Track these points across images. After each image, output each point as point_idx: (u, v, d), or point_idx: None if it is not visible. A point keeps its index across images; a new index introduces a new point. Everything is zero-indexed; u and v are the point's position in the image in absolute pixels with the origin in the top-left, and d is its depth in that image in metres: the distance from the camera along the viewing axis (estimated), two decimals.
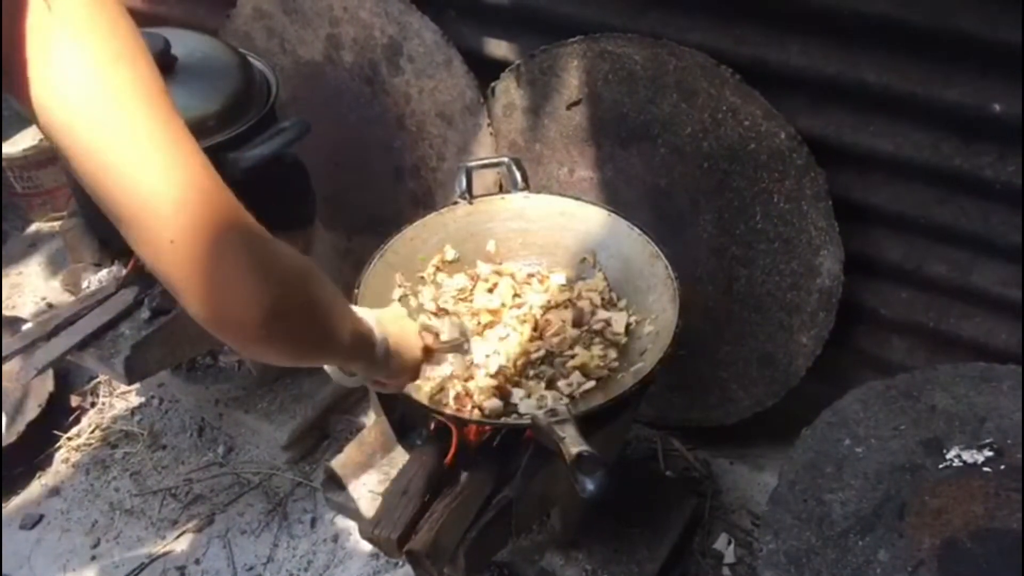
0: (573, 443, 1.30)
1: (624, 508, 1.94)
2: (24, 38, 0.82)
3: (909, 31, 1.61)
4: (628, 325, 1.72)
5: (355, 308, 1.30)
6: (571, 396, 1.59)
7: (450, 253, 1.81)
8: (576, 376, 1.62)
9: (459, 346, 1.61)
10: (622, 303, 1.76)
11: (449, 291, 1.77)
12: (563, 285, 1.80)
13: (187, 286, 0.91)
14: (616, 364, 1.67)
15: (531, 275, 1.83)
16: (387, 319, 1.39)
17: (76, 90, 0.83)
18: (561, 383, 1.61)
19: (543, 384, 1.62)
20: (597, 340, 1.71)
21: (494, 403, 1.56)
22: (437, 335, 1.58)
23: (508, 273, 1.81)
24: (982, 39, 1.55)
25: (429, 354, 1.56)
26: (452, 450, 1.56)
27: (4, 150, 2.93)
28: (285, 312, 0.97)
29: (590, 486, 1.22)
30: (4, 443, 2.28)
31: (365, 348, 1.30)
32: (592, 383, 1.62)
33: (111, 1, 0.86)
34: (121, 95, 0.84)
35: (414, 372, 1.51)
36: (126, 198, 0.86)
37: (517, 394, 1.60)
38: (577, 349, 1.67)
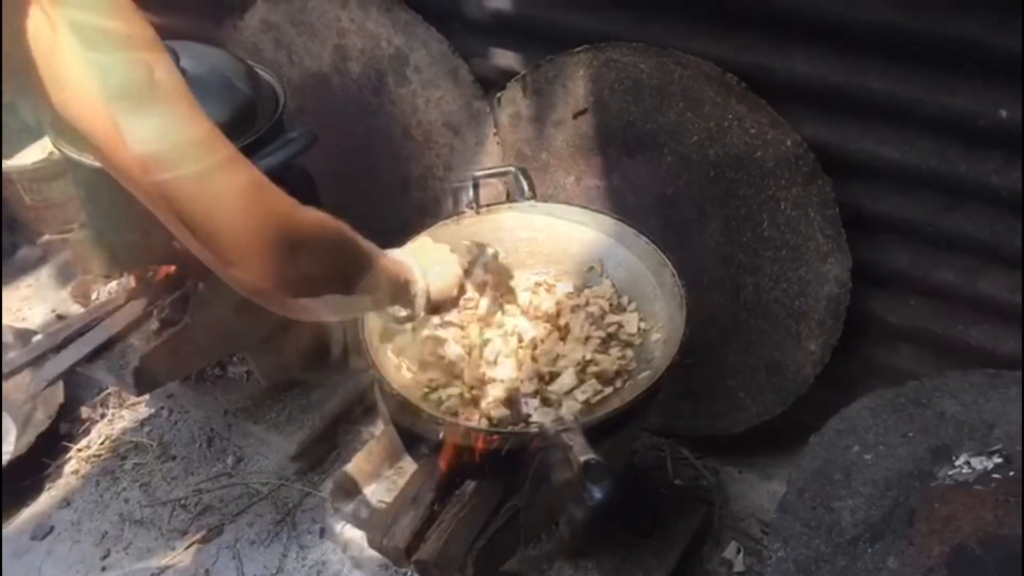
0: (581, 451, 1.30)
1: (633, 517, 1.94)
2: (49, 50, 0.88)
3: (913, 38, 1.61)
4: (640, 326, 1.72)
5: (397, 254, 1.42)
6: (587, 403, 1.59)
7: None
8: (592, 384, 1.62)
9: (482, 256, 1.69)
10: (632, 306, 1.76)
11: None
12: (570, 293, 1.80)
13: (220, 268, 1.00)
14: (635, 366, 1.67)
15: (538, 284, 1.83)
16: (429, 261, 1.48)
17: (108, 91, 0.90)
18: (577, 392, 1.61)
19: (559, 393, 1.62)
20: (613, 343, 1.71)
21: (502, 412, 1.56)
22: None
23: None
24: (987, 46, 1.55)
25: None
26: (447, 461, 1.56)
27: (15, 163, 2.94)
28: (307, 281, 1.07)
29: (598, 494, 1.23)
30: (14, 455, 2.29)
31: (405, 296, 1.41)
32: (609, 390, 1.61)
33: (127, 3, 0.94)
34: (156, 90, 0.92)
35: (454, 303, 1.57)
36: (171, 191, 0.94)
37: (531, 404, 1.60)
38: (596, 356, 1.67)
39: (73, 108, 0.91)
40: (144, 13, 2.58)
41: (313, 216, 1.09)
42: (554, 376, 1.65)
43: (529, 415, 1.58)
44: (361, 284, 1.23)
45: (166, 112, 0.92)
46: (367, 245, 1.27)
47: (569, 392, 1.62)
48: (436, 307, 1.50)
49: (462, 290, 1.58)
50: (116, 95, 0.89)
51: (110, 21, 0.91)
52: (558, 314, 1.75)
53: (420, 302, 1.43)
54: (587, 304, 1.77)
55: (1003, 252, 1.72)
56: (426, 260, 1.48)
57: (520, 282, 1.82)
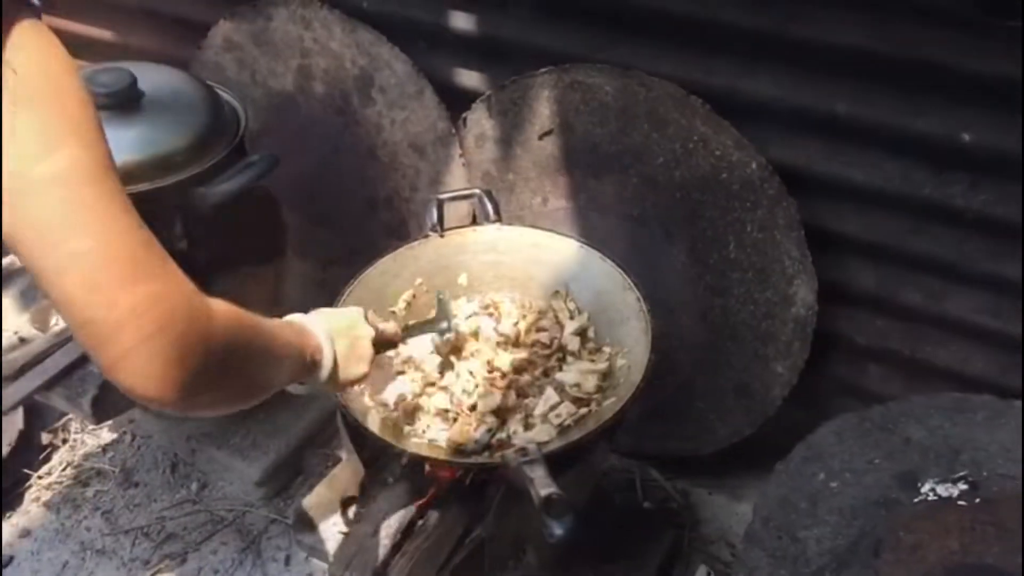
0: (542, 485, 1.28)
1: (602, 541, 1.92)
2: None
3: (879, 62, 1.61)
4: (586, 328, 1.74)
5: (305, 321, 1.29)
6: (562, 426, 1.57)
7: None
8: (567, 406, 1.60)
9: (437, 323, 1.65)
10: (583, 315, 1.76)
11: None
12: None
13: (102, 366, 0.89)
14: (607, 366, 1.66)
15: (486, 306, 1.82)
16: (338, 331, 1.34)
17: (20, 162, 0.83)
18: (551, 415, 1.59)
19: (535, 417, 1.61)
20: (584, 354, 1.71)
21: (481, 434, 1.55)
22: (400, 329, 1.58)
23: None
24: (951, 69, 1.56)
25: (389, 347, 1.54)
26: (411, 491, 1.54)
27: None
28: (201, 388, 0.95)
29: (558, 531, 1.20)
30: None
31: (309, 373, 1.27)
32: (585, 410, 1.60)
33: (63, 69, 0.87)
34: (64, 173, 0.85)
35: (361, 379, 1.45)
36: (47, 281, 0.86)
37: (512, 427, 1.58)
38: (571, 374, 1.66)
39: None
40: (107, 30, 2.53)
41: (221, 316, 0.98)
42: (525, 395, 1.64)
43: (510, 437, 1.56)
44: (264, 380, 1.13)
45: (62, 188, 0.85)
46: (272, 332, 1.15)
47: (548, 412, 1.60)
48: (341, 385, 1.38)
49: (373, 364, 1.47)
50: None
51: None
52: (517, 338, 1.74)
53: (323, 375, 1.29)
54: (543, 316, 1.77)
55: (969, 273, 1.72)
56: (336, 330, 1.34)
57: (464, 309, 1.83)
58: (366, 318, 1.46)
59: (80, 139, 0.86)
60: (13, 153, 0.83)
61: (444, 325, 1.66)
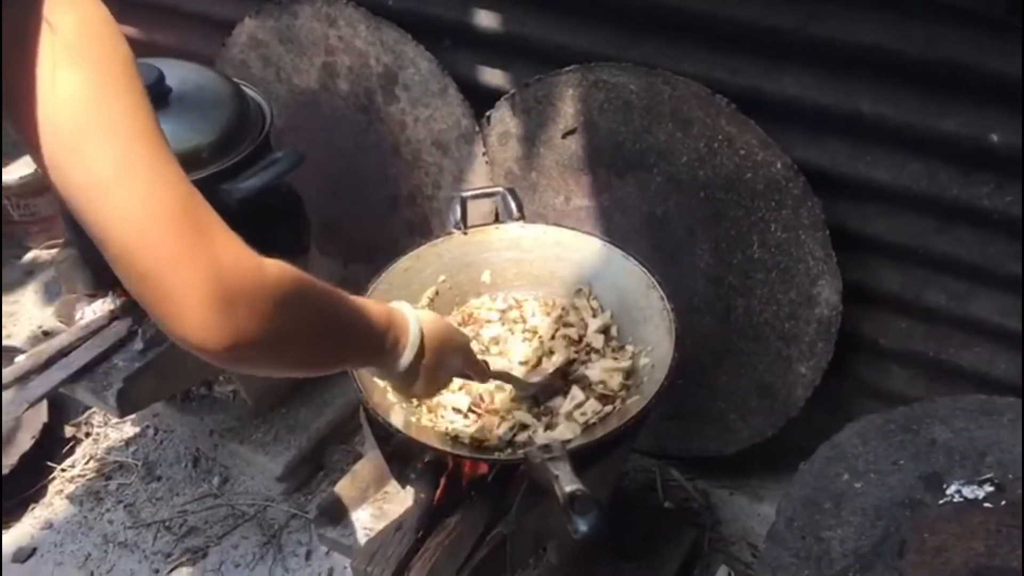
0: (567, 481, 1.28)
1: (622, 540, 1.92)
2: (34, 62, 0.82)
3: (904, 61, 1.61)
4: (609, 326, 1.73)
5: (400, 305, 1.29)
6: (586, 424, 1.57)
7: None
8: (592, 404, 1.60)
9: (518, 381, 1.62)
10: (606, 313, 1.76)
11: None
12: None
13: (157, 320, 0.90)
14: (630, 364, 1.67)
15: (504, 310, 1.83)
16: (432, 322, 1.33)
17: (70, 119, 0.84)
18: (576, 412, 1.60)
19: (559, 416, 1.61)
20: (608, 351, 1.71)
21: (504, 431, 1.56)
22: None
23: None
24: (978, 69, 1.55)
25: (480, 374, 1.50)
26: (433, 488, 1.54)
27: (2, 178, 2.92)
28: (255, 342, 0.93)
29: (583, 527, 1.20)
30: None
31: (389, 357, 1.25)
32: (609, 408, 1.60)
33: (107, 30, 0.87)
34: (112, 126, 0.85)
35: (452, 376, 1.45)
36: (103, 233, 0.86)
37: (535, 426, 1.59)
38: (596, 371, 1.66)
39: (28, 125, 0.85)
40: (133, 27, 2.55)
41: (277, 270, 0.96)
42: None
43: (532, 436, 1.57)
44: (331, 346, 1.12)
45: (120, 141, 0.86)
46: (344, 299, 1.13)
47: (573, 410, 1.60)
48: (423, 379, 1.32)
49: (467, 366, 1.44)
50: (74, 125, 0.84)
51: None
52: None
53: (404, 361, 1.26)
54: (568, 313, 1.78)
55: (995, 275, 1.71)
56: (429, 320, 1.32)
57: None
58: None
59: (123, 96, 0.86)
60: (57, 111, 0.83)
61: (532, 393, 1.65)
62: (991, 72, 1.53)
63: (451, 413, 1.63)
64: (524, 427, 1.59)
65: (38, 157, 0.86)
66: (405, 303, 1.31)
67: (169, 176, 0.88)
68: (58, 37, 0.83)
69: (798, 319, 1.87)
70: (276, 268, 0.96)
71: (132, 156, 0.85)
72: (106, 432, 2.50)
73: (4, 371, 1.99)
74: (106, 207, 0.85)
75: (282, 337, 0.97)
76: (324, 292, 1.06)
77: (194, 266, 0.87)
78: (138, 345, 1.99)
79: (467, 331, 1.75)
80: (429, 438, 1.55)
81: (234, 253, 0.91)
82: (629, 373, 1.66)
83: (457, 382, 1.63)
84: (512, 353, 1.71)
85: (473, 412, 1.62)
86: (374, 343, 1.21)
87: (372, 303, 1.22)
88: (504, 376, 1.59)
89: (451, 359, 1.38)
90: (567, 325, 1.75)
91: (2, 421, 2.34)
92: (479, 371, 1.48)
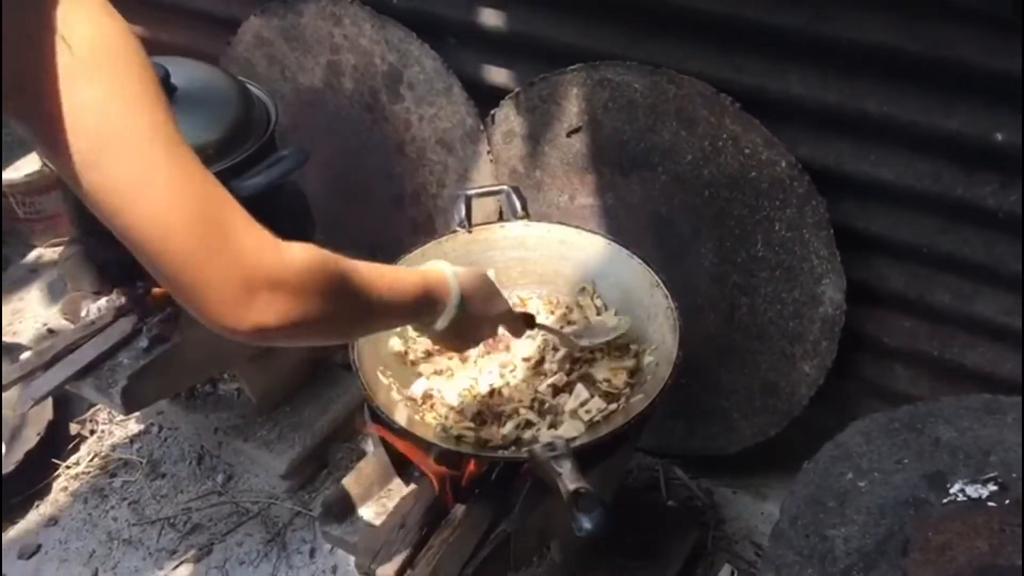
0: (571, 479, 1.28)
1: (626, 539, 1.92)
2: (54, 78, 0.86)
3: (909, 60, 1.60)
4: (617, 323, 1.73)
5: (434, 266, 1.36)
6: (591, 422, 1.58)
7: None
8: (596, 403, 1.60)
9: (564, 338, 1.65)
10: (611, 312, 1.77)
11: None
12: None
13: (193, 311, 0.96)
14: (634, 363, 1.67)
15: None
16: (466, 272, 1.40)
17: (92, 129, 0.88)
18: (581, 410, 1.60)
19: (563, 414, 1.61)
20: (614, 352, 1.71)
21: (508, 429, 1.56)
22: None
23: None
24: (983, 69, 1.54)
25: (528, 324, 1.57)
26: (437, 485, 1.55)
27: (7, 176, 2.93)
28: (281, 325, 0.98)
29: (587, 525, 1.21)
30: (2, 473, 2.27)
31: (428, 307, 1.30)
32: (614, 406, 1.60)
33: (124, 41, 0.90)
34: (132, 135, 0.89)
35: (495, 325, 1.50)
36: (132, 237, 0.92)
37: (539, 424, 1.59)
38: (601, 369, 1.66)
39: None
40: (137, 26, 2.55)
41: (301, 252, 1.01)
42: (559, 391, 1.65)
43: (527, 438, 1.57)
44: (367, 311, 1.16)
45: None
46: (374, 268, 1.17)
47: (578, 408, 1.60)
48: (477, 318, 1.40)
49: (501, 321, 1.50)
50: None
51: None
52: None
53: (453, 301, 1.32)
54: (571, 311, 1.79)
55: (999, 274, 1.71)
56: (469, 283, 1.38)
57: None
58: None
59: (143, 105, 0.89)
60: (80, 121, 0.87)
61: (585, 343, 1.68)
62: (996, 72, 1.53)
63: (456, 415, 1.63)
64: (529, 425, 1.59)
65: (61, 163, 0.90)
66: (444, 262, 1.38)
67: (189, 179, 0.92)
68: (74, 50, 0.86)
69: (802, 318, 1.87)
70: (301, 251, 1.00)
71: (154, 164, 0.89)
72: (111, 429, 2.51)
73: (10, 368, 2.00)
74: (132, 214, 0.90)
75: (313, 317, 1.01)
76: (352, 269, 1.10)
77: (218, 263, 0.92)
78: (143, 343, 1.99)
79: None
80: (433, 436, 1.55)
81: (255, 244, 0.95)
82: (633, 371, 1.66)
83: (467, 378, 1.66)
84: (516, 348, 1.71)
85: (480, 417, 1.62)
86: (410, 311, 1.27)
87: (406, 271, 1.30)
88: (549, 329, 1.66)
89: (492, 312, 1.44)
90: (570, 323, 1.75)
91: (3, 418, 2.36)
92: (517, 326, 1.55)
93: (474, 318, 1.38)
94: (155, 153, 0.89)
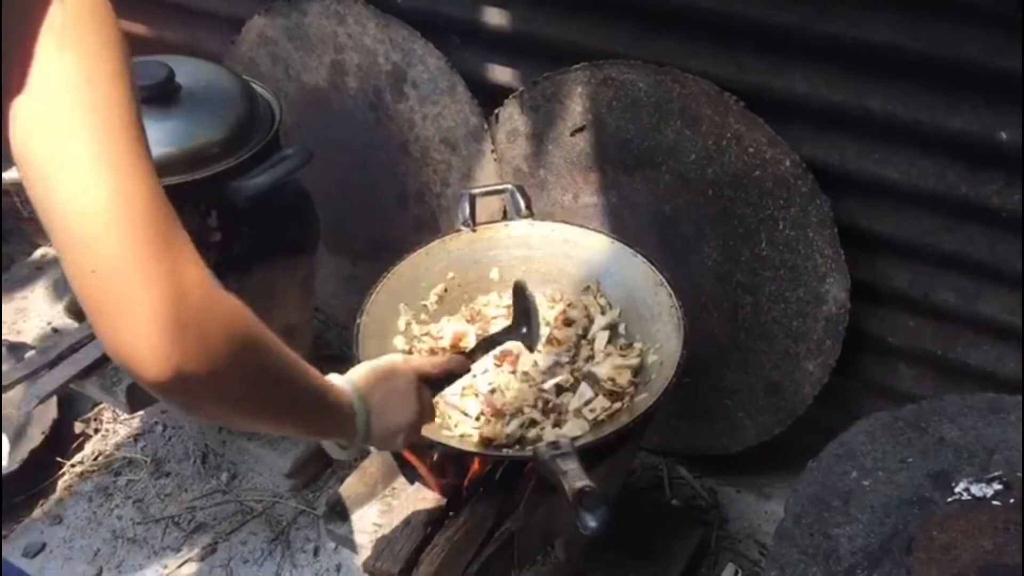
0: (575, 478, 1.28)
1: (630, 538, 1.92)
2: (30, 40, 0.80)
3: (913, 59, 1.60)
4: (616, 324, 1.74)
5: (333, 377, 1.20)
6: (595, 421, 1.57)
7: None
8: (600, 401, 1.61)
9: (515, 330, 1.50)
10: (615, 311, 1.77)
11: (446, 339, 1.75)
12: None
13: (96, 323, 0.84)
14: (638, 361, 1.67)
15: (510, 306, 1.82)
16: (369, 383, 1.25)
17: (52, 99, 0.81)
18: (585, 409, 1.60)
19: (567, 413, 1.61)
20: (614, 350, 1.71)
21: (512, 428, 1.56)
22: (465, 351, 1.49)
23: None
24: (987, 67, 1.54)
25: (452, 378, 1.42)
26: (441, 484, 1.55)
27: (11, 175, 2.93)
28: (197, 374, 0.85)
29: (592, 523, 1.21)
30: (7, 471, 2.27)
31: (341, 430, 1.19)
32: (618, 405, 1.60)
33: (102, 16, 0.83)
34: (82, 115, 0.81)
35: (414, 430, 1.34)
36: (59, 219, 0.82)
37: (543, 423, 1.59)
38: (604, 367, 1.66)
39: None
40: (141, 24, 2.53)
41: (236, 306, 0.91)
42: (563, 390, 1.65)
43: (532, 437, 1.57)
44: (279, 402, 1.04)
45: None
46: (296, 360, 1.04)
47: (582, 407, 1.60)
48: (385, 440, 1.28)
49: (420, 423, 1.35)
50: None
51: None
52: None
53: (359, 431, 1.21)
54: (572, 307, 1.78)
55: (1003, 273, 1.71)
56: (367, 383, 1.24)
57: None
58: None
59: (109, 85, 0.82)
60: (41, 89, 0.80)
61: (523, 331, 1.51)
62: (1000, 70, 1.53)
63: (460, 415, 1.63)
64: (533, 423, 1.59)
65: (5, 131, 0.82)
66: (334, 374, 1.23)
67: (144, 174, 0.83)
68: (67, 16, 0.80)
69: (806, 317, 1.87)
70: (235, 304, 0.91)
71: (109, 146, 0.81)
72: (115, 428, 2.51)
73: (15, 367, 2.00)
74: (73, 192, 0.80)
75: (226, 376, 0.89)
76: (276, 344, 0.99)
77: (155, 272, 0.82)
78: None
79: (474, 328, 1.75)
80: (438, 435, 1.55)
81: (198, 274, 0.85)
82: (637, 370, 1.66)
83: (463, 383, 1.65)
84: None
85: (483, 416, 1.62)
86: (322, 409, 1.14)
87: (313, 370, 1.12)
88: (491, 341, 1.52)
89: (403, 398, 1.29)
90: (568, 323, 1.75)
91: (8, 417, 2.36)
92: (451, 373, 1.41)
93: (383, 410, 1.25)
94: (115, 136, 0.81)
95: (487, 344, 1.51)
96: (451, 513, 1.55)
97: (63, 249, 0.83)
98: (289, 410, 1.08)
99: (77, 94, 0.81)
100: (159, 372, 0.83)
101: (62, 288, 2.92)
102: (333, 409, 1.16)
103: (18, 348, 2.50)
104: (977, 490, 1.38)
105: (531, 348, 1.55)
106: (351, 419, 1.19)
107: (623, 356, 1.68)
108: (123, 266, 0.81)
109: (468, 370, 1.44)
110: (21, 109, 0.80)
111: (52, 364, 1.98)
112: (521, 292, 1.51)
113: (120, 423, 2.52)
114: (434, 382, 1.37)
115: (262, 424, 1.10)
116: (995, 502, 1.36)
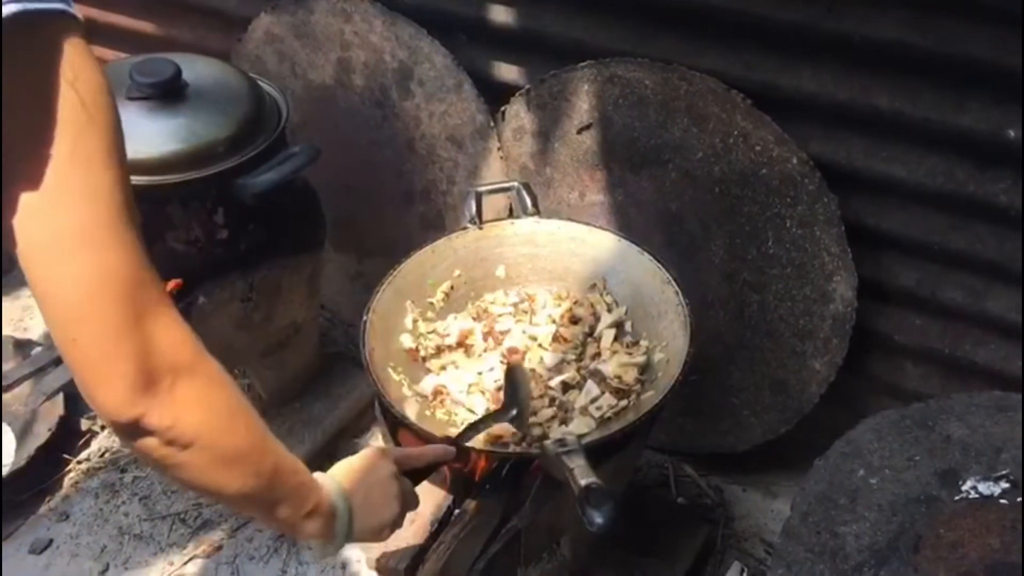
0: (582, 475, 1.29)
1: (636, 536, 1.92)
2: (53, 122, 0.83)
3: (921, 57, 1.60)
4: (623, 322, 1.74)
5: (316, 475, 1.21)
6: (602, 419, 1.58)
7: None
8: (607, 399, 1.61)
9: (506, 411, 1.52)
10: (621, 308, 1.77)
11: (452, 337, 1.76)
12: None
13: (76, 380, 0.92)
14: (644, 359, 1.67)
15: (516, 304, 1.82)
16: (351, 480, 1.25)
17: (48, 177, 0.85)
18: (591, 407, 1.60)
19: (574, 411, 1.62)
20: (621, 347, 1.71)
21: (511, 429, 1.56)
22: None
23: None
24: (995, 65, 1.54)
25: (433, 468, 1.42)
26: (448, 481, 1.55)
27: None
28: (160, 427, 0.93)
29: (599, 519, 1.21)
30: (13, 468, 2.27)
31: (323, 530, 1.19)
32: (624, 402, 1.60)
33: (103, 100, 0.87)
34: (84, 192, 0.86)
35: (397, 524, 1.33)
36: (57, 288, 0.88)
37: (550, 421, 1.59)
38: (611, 365, 1.66)
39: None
40: (148, 22, 2.53)
41: (213, 368, 0.98)
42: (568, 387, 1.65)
43: (538, 434, 1.57)
44: (255, 481, 1.06)
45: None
46: (277, 445, 1.10)
47: (589, 404, 1.60)
48: (369, 538, 1.30)
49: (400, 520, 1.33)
50: None
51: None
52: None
53: (340, 531, 1.21)
54: (577, 304, 1.78)
55: (1011, 272, 1.71)
56: (348, 481, 1.25)
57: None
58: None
59: (104, 165, 0.87)
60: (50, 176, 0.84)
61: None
62: (1008, 68, 1.53)
63: (466, 412, 1.63)
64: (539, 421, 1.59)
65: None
66: (318, 472, 1.24)
67: (129, 250, 0.89)
68: (81, 101, 0.84)
69: (813, 315, 1.87)
70: (212, 367, 0.97)
71: (98, 224, 0.87)
72: None
73: (21, 364, 2.01)
74: (61, 267, 0.86)
75: (192, 434, 0.95)
76: (256, 419, 1.04)
77: (129, 340, 0.89)
78: None
79: (480, 326, 1.76)
80: (444, 432, 1.55)
81: (172, 336, 0.93)
82: (644, 368, 1.66)
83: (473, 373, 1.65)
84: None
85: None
86: (303, 502, 1.14)
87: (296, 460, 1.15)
88: (480, 424, 1.51)
89: (384, 494, 1.29)
90: (574, 321, 1.75)
91: (15, 413, 2.37)
92: (433, 464, 1.41)
93: (366, 503, 1.25)
94: (104, 215, 0.87)
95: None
96: (457, 510, 1.54)
97: (48, 316, 0.90)
98: (260, 490, 1.07)
99: (70, 172, 0.85)
100: (127, 422, 0.92)
101: None
102: (311, 502, 1.15)
103: (25, 345, 2.51)
104: (984, 488, 1.38)
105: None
106: (331, 520, 1.18)
107: (629, 354, 1.68)
108: (103, 336, 0.88)
109: (453, 457, 1.42)
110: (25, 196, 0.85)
111: (58, 361, 1.98)
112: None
113: None
114: (415, 473, 1.37)
115: (233, 497, 1.07)
116: (1002, 500, 1.36)
